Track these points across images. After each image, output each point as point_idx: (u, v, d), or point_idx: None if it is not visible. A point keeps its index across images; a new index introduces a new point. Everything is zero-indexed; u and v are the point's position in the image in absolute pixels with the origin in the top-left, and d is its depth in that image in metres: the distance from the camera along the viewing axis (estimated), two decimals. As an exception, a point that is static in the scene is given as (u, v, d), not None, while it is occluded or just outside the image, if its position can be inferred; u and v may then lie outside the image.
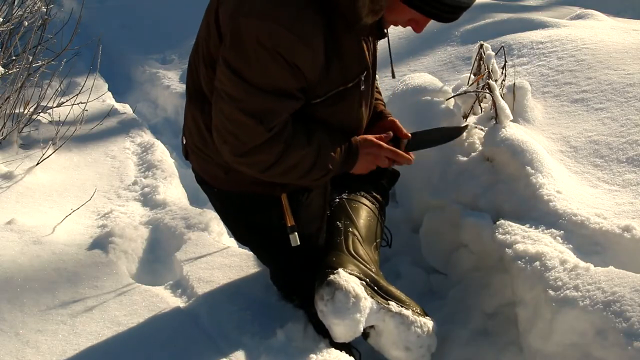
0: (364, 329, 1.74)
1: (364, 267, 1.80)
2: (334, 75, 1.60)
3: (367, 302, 1.70)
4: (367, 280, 1.76)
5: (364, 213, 1.99)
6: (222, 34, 1.55)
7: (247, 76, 1.47)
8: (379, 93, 2.06)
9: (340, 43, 1.56)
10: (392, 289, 1.81)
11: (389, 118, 1.95)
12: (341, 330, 1.69)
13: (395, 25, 1.60)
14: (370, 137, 1.77)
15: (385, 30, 1.66)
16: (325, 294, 1.66)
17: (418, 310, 1.83)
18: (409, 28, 1.60)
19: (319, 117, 1.67)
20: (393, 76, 1.93)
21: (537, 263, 1.87)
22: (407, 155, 1.82)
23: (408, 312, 1.77)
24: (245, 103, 1.49)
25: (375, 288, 1.77)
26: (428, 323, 1.82)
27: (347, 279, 1.69)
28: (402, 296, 1.83)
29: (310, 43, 1.47)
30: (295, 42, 1.44)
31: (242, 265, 2.23)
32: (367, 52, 1.67)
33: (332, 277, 1.68)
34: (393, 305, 1.76)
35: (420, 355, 1.79)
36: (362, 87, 1.69)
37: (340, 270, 1.71)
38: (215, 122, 1.59)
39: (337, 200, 1.98)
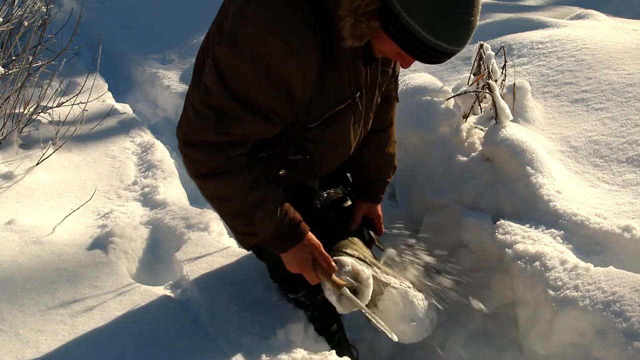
0: (369, 309, 1.78)
1: (362, 250, 1.85)
2: (329, 94, 1.59)
3: (370, 279, 1.74)
4: (367, 261, 1.81)
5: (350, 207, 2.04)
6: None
7: (225, 76, 1.47)
8: (395, 142, 2.06)
9: (336, 62, 1.56)
10: (389, 270, 1.87)
11: (377, 212, 2.03)
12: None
13: (385, 56, 1.57)
14: (319, 248, 1.66)
15: (387, 60, 1.65)
16: None
17: (417, 288, 1.87)
18: None
19: (310, 138, 1.67)
20: (397, 100, 1.99)
21: (537, 263, 1.88)
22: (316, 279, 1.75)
23: (409, 288, 1.81)
24: (213, 97, 1.49)
25: (375, 268, 1.82)
26: (428, 298, 1.86)
27: (349, 258, 1.74)
28: (400, 275, 1.88)
29: (304, 58, 1.46)
30: (288, 55, 1.43)
31: (242, 265, 2.22)
32: (362, 75, 1.66)
33: (335, 257, 1.72)
34: (394, 281, 1.81)
35: (424, 329, 1.83)
36: (358, 107, 1.69)
37: (342, 251, 1.77)
38: (183, 109, 1.60)
39: (325, 195, 2.00)
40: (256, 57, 1.43)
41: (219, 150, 1.51)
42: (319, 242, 1.67)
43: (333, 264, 1.67)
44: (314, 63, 1.49)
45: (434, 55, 1.42)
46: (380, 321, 1.65)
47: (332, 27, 1.46)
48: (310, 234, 1.66)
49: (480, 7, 1.38)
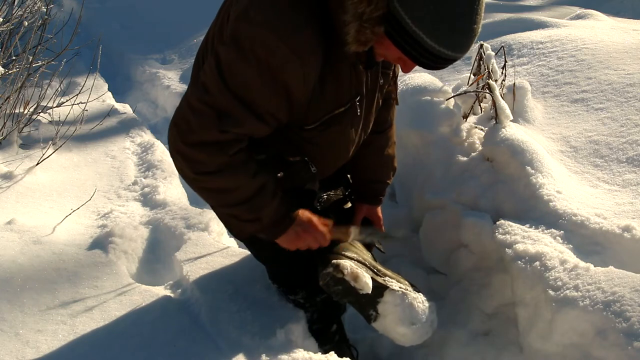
0: (369, 312, 1.79)
1: (361, 252, 1.85)
2: (329, 97, 1.59)
3: (369, 281, 1.74)
4: (366, 264, 1.81)
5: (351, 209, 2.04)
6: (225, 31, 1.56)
7: (226, 77, 1.47)
8: (394, 144, 2.06)
9: (337, 66, 1.56)
10: (389, 272, 1.87)
11: (378, 213, 2.04)
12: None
13: (386, 59, 1.58)
14: (310, 216, 1.69)
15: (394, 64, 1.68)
16: (329, 274, 1.72)
17: (417, 290, 1.88)
18: None
19: (308, 139, 1.67)
20: (396, 103, 2.00)
21: (537, 263, 1.88)
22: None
23: (409, 290, 1.81)
24: (213, 97, 1.48)
25: (375, 270, 1.82)
26: (428, 301, 1.87)
27: (348, 261, 1.75)
28: (400, 277, 1.88)
29: (305, 61, 1.45)
30: (290, 58, 1.43)
31: (242, 265, 2.22)
32: (363, 79, 1.67)
33: (334, 260, 1.73)
34: (394, 284, 1.81)
35: (425, 332, 1.83)
36: (357, 112, 1.70)
37: (341, 254, 1.78)
38: (178, 106, 1.58)
39: (325, 196, 2.00)
40: (259, 59, 1.43)
41: (220, 149, 1.50)
42: (309, 212, 1.69)
43: (327, 221, 1.73)
44: (316, 66, 1.49)
45: (436, 62, 1.43)
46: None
47: (334, 31, 1.46)
48: (304, 217, 1.68)
49: (482, 15, 1.38)
